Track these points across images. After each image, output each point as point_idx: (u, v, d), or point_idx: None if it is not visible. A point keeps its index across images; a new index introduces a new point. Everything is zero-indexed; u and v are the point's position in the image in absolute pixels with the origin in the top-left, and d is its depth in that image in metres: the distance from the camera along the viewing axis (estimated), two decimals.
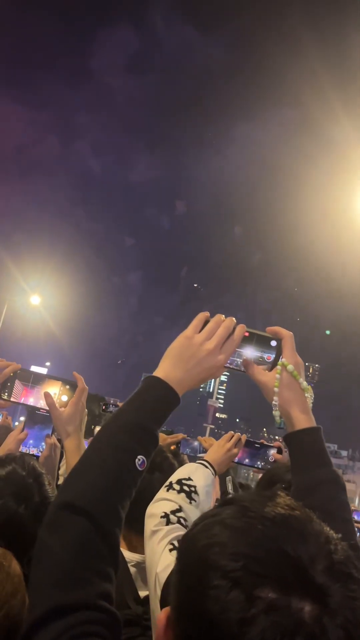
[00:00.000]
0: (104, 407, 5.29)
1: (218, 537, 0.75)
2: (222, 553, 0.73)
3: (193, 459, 3.80)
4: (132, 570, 1.95)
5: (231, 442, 2.37)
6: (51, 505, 1.01)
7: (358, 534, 1.36)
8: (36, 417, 2.14)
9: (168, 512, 1.79)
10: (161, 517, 1.78)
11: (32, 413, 2.13)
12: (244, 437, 2.50)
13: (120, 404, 1.29)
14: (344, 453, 66.12)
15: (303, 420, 1.27)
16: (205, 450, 3.38)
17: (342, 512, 1.20)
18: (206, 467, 2.07)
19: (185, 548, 0.81)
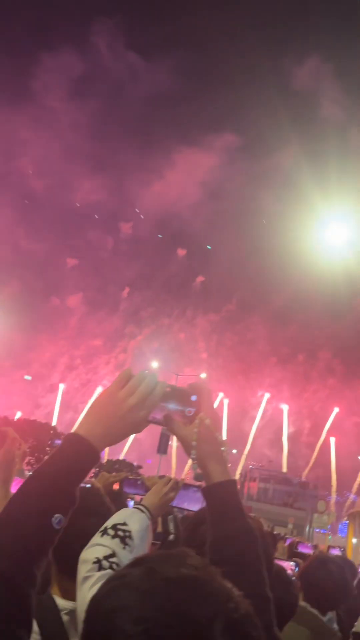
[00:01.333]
0: (49, 443, 5.26)
1: (123, 600, 0.78)
2: (126, 617, 0.76)
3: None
4: (65, 618, 1.93)
5: (168, 486, 2.40)
6: None
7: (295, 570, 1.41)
8: None
9: (101, 558, 1.79)
10: (93, 562, 1.78)
11: None
12: (181, 481, 2.53)
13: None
14: (296, 480, 66.56)
15: (219, 473, 1.32)
16: (148, 489, 3.40)
17: (254, 565, 1.25)
18: (142, 511, 2.08)
19: (91, 612, 0.83)
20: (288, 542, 9.12)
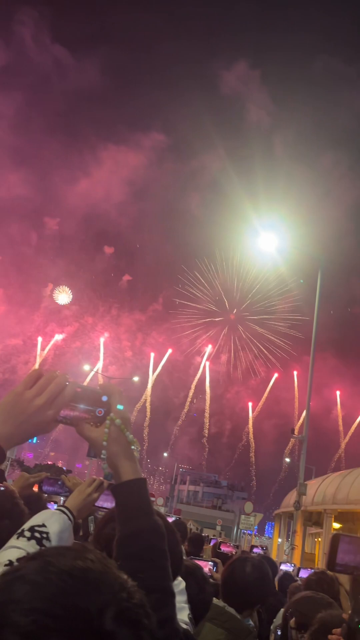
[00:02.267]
0: None
1: (15, 593, 0.79)
2: (17, 609, 0.76)
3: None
4: None
5: (92, 487, 2.38)
6: None
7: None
8: None
9: (14, 560, 1.76)
10: (5, 565, 1.75)
11: None
12: (106, 482, 2.52)
13: None
14: (224, 483, 67.65)
15: (129, 472, 1.34)
16: (68, 490, 3.36)
17: (159, 560, 1.28)
18: (64, 513, 2.06)
19: None
20: (212, 542, 9.25)
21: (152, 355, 70.19)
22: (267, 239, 21.70)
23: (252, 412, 70.86)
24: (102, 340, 70.46)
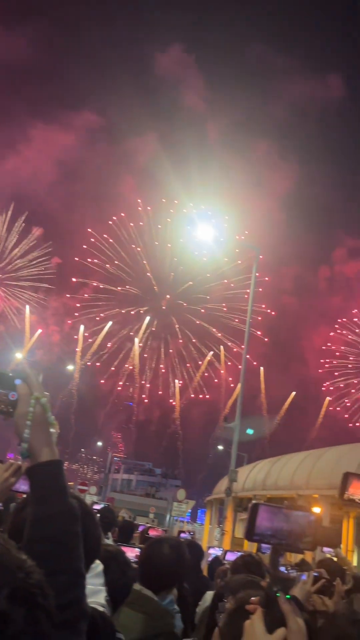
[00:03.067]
0: None
1: None
2: None
3: None
4: None
5: (9, 471, 2.31)
6: None
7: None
8: None
9: None
10: None
11: None
12: (24, 466, 2.45)
13: None
14: (158, 471, 68.27)
15: (47, 453, 1.32)
16: None
17: (71, 542, 1.25)
18: None
19: None
20: (140, 529, 9.30)
21: (81, 339, 69.26)
22: (203, 228, 21.89)
23: (180, 398, 71.87)
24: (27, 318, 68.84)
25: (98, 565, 2.17)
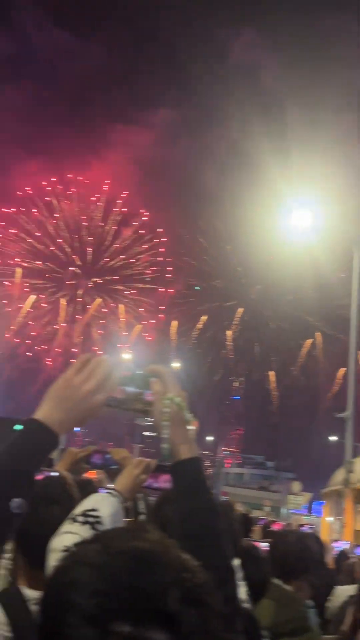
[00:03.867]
0: None
1: (76, 575, 0.77)
2: (79, 592, 0.75)
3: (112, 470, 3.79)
4: (34, 608, 1.91)
5: (139, 468, 2.38)
6: None
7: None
8: None
9: (69, 546, 1.77)
10: (62, 551, 1.75)
11: None
12: (153, 462, 2.52)
13: None
14: (270, 464, 67.60)
15: (186, 450, 1.34)
16: (116, 463, 3.39)
17: (217, 538, 1.26)
18: (114, 495, 2.06)
19: (46, 590, 0.82)
20: (261, 522, 9.24)
21: (174, 335, 69.33)
22: (300, 215, 21.22)
23: (278, 388, 70.11)
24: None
25: (235, 561, 2.19)
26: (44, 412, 1.23)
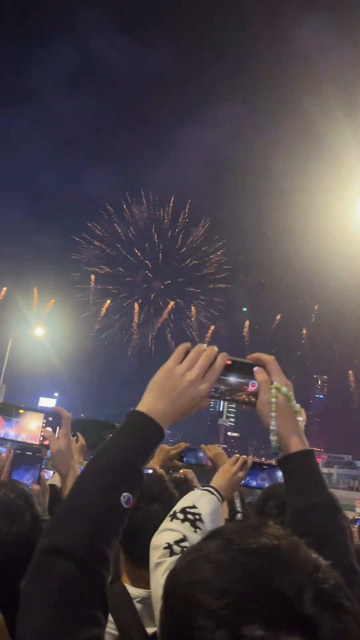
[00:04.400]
0: (110, 435, 5.36)
1: (202, 573, 0.73)
2: (206, 591, 0.71)
3: (198, 467, 3.75)
4: (138, 606, 1.89)
5: (236, 465, 2.32)
6: (36, 549, 0.98)
7: None
8: (19, 458, 2.08)
9: (171, 543, 1.74)
10: (164, 548, 1.73)
11: (16, 455, 2.08)
12: (250, 460, 2.45)
13: None
14: (359, 463, 65.47)
15: (296, 443, 1.26)
16: (208, 460, 3.34)
17: (338, 536, 1.17)
18: (212, 493, 2.02)
19: (169, 586, 0.78)
20: (359, 523, 8.91)
21: (247, 332, 68.69)
22: None
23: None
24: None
25: None
26: (146, 404, 1.18)
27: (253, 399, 1.31)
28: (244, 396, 1.31)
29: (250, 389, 1.31)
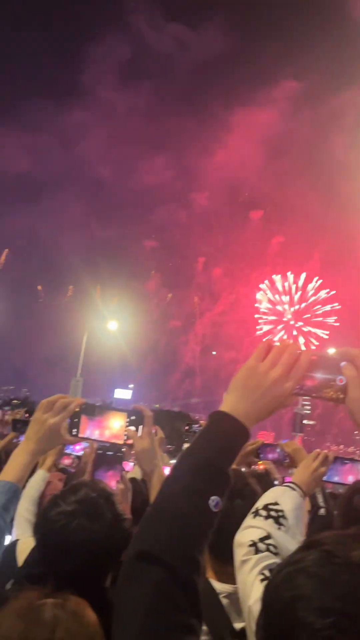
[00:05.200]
0: (187, 428, 5.40)
1: (303, 588, 0.71)
2: (308, 608, 0.69)
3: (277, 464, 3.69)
4: (225, 601, 1.90)
5: (317, 460, 2.26)
6: (127, 555, 0.99)
7: None
8: (101, 458, 2.12)
9: (256, 540, 1.73)
10: (249, 545, 1.72)
11: (98, 456, 2.11)
12: (331, 454, 2.38)
13: (203, 423, 1.25)
14: None
15: None
16: (287, 456, 3.28)
17: None
18: (293, 489, 1.99)
19: (269, 600, 0.76)
20: None
21: None
22: None
23: None
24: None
25: None
26: (230, 404, 1.16)
27: (342, 396, 1.25)
28: (331, 393, 1.25)
29: (338, 385, 1.26)
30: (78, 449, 6.44)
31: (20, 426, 4.40)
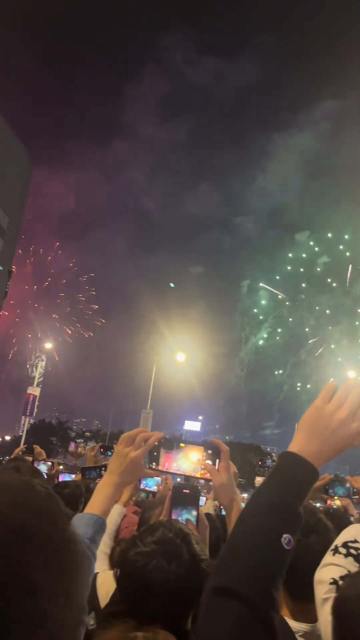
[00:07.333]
0: (260, 463, 5.41)
1: None
2: None
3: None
4: None
5: None
6: (206, 589, 1.04)
7: None
8: (177, 496, 2.12)
9: (337, 578, 1.71)
10: (330, 583, 1.71)
11: (175, 493, 2.13)
12: None
13: (275, 457, 1.29)
14: None
15: None
16: (356, 492, 3.20)
17: None
18: None
19: (340, 616, 0.78)
20: None
21: None
22: None
23: None
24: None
25: None
26: (298, 445, 1.21)
27: None
28: None
29: None
30: (151, 485, 6.50)
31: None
